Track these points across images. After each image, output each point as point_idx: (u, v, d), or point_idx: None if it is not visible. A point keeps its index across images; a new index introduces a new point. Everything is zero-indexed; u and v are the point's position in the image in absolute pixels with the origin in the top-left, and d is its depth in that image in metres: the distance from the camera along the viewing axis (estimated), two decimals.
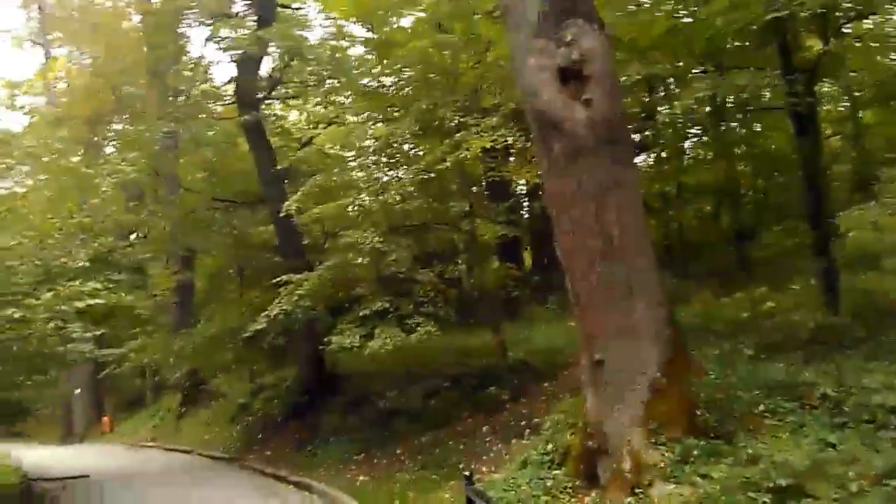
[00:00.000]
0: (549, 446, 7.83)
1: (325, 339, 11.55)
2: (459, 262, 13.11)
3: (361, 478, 11.02)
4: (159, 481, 13.53)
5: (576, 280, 7.16)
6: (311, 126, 18.44)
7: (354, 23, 15.34)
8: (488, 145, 9.50)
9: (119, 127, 19.90)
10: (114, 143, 19.38)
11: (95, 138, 21.90)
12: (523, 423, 10.51)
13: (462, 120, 10.30)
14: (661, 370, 6.76)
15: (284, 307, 11.79)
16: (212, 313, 18.56)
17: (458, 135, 10.21)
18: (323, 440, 13.71)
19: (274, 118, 18.33)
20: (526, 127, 10.17)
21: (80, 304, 8.66)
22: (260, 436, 16.33)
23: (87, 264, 11.04)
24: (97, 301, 8.96)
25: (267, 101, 17.25)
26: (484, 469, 9.55)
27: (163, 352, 16.91)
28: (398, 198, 10.98)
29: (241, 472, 14.13)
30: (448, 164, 9.92)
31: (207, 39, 17.36)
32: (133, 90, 16.80)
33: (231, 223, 17.36)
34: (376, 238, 10.81)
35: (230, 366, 20.70)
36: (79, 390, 30.93)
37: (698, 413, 6.68)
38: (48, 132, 16.73)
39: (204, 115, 16.66)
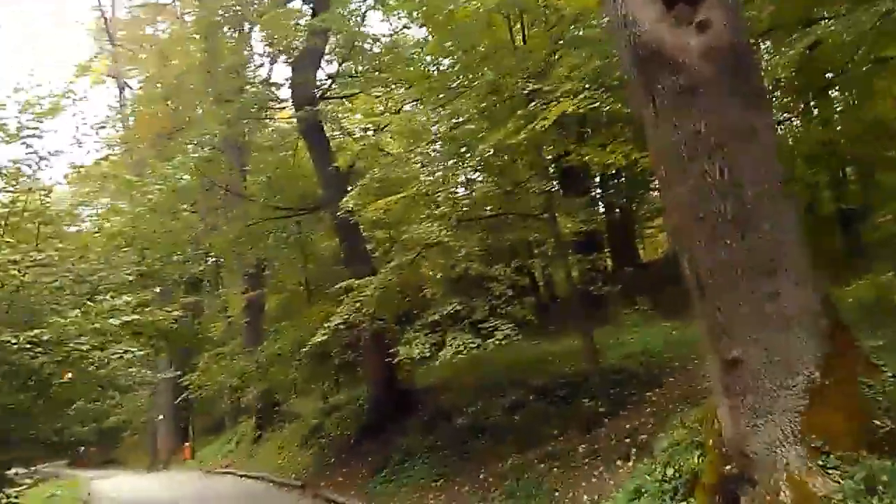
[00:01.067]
0: (670, 471, 6.23)
1: (391, 350, 10.22)
2: (537, 258, 11.54)
3: None
4: None
5: (697, 257, 5.53)
6: (370, 121, 17.36)
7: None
8: (569, 109, 8.00)
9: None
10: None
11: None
12: (627, 440, 8.91)
13: (535, 87, 8.85)
14: (820, 368, 5.09)
15: (346, 316, 10.58)
16: (279, 331, 17.63)
17: (531, 105, 8.77)
18: (398, 463, 12.39)
19: (332, 118, 17.32)
20: (613, 88, 8.71)
21: (115, 322, 7.67)
22: (332, 459, 15.18)
23: (131, 279, 10.16)
24: (135, 318, 7.97)
25: (325, 99, 16.25)
26: (585, 498, 8.01)
27: (227, 373, 16.04)
28: (464, 183, 9.59)
29: (310, 500, 12.98)
30: (522, 137, 8.47)
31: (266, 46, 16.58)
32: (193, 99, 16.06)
33: (294, 233, 16.39)
34: (443, 232, 9.44)
35: (301, 385, 19.78)
36: (161, 417, 30.94)
37: (878, 423, 4.96)
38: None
39: (263, 119, 15.76)
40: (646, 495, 6.34)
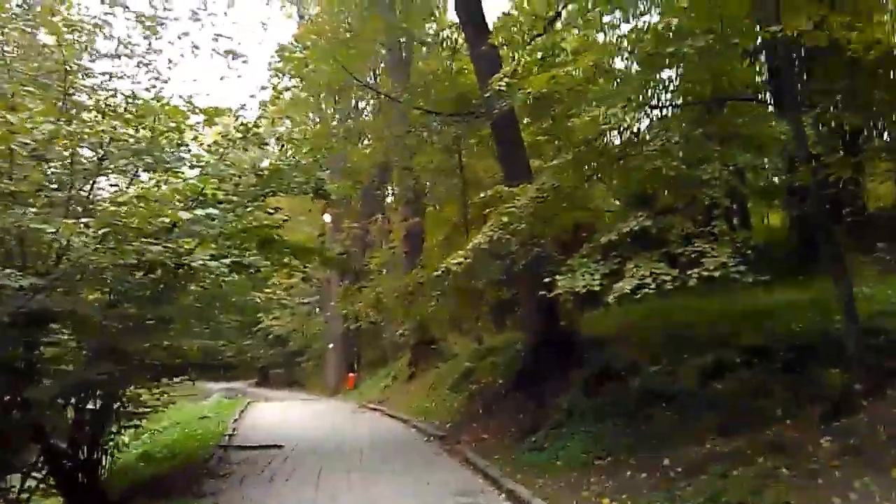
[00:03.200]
0: None
1: (548, 280, 7.47)
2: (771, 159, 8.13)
3: (605, 501, 6.95)
4: (346, 464, 10.77)
5: None
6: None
7: None
8: None
9: None
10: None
11: None
12: None
13: None
14: None
15: (491, 234, 8.00)
16: (429, 259, 15.57)
17: None
18: (554, 427, 9.83)
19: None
20: None
21: (201, 213, 5.68)
22: (480, 410, 12.96)
23: (247, 178, 8.18)
24: (219, 208, 5.97)
25: None
26: None
27: (364, 301, 14.24)
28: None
29: (447, 459, 10.81)
30: None
31: None
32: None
33: (451, 140, 13.99)
34: (630, 115, 6.47)
35: (453, 323, 17.76)
36: (331, 345, 30.98)
37: None
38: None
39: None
40: None
